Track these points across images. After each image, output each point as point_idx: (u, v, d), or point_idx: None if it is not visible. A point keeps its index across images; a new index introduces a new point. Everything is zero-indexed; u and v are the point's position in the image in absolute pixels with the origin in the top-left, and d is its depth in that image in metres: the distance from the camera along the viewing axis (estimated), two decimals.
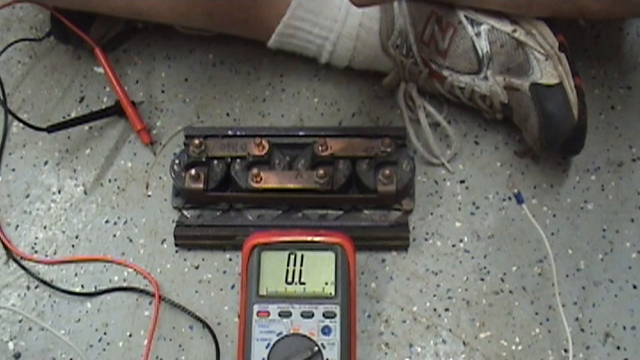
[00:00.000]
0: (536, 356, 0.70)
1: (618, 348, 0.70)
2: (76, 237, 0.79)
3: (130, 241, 0.78)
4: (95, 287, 0.76)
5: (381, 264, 0.75)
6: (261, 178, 0.75)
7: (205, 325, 0.73)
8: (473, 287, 0.74)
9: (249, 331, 0.67)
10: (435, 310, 0.73)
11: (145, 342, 0.72)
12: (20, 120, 0.81)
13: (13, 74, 0.89)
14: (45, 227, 0.80)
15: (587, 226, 0.76)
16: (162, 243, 0.78)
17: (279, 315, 0.67)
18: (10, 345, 0.74)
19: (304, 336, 0.66)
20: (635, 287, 0.73)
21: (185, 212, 0.78)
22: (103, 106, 0.85)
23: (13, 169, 0.83)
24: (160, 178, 0.81)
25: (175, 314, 0.74)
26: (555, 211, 0.77)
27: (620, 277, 0.73)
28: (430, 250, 0.76)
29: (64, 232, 0.79)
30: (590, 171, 0.78)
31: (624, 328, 0.71)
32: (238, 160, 0.77)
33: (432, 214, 0.77)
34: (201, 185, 0.75)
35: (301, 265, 0.69)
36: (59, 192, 0.82)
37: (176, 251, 0.77)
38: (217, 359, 0.71)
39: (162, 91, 0.86)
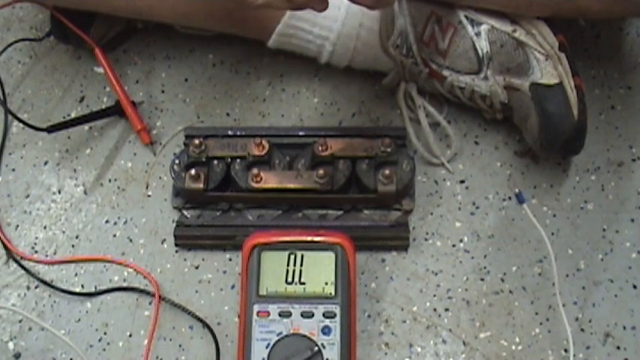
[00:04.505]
0: (536, 356, 0.70)
1: (618, 348, 0.70)
2: (76, 237, 0.79)
3: (130, 241, 0.78)
4: (95, 287, 0.76)
5: (381, 264, 0.75)
6: (261, 178, 0.75)
7: (205, 325, 0.73)
8: (473, 287, 0.74)
9: (249, 331, 0.67)
10: (435, 310, 0.73)
11: (145, 342, 0.72)
12: (20, 120, 0.81)
13: (13, 74, 0.89)
14: (45, 227, 0.80)
15: (587, 226, 0.76)
16: (162, 243, 0.78)
17: (279, 315, 0.67)
18: (10, 345, 0.74)
19: (304, 336, 0.66)
20: (635, 287, 0.73)
21: (185, 212, 0.78)
22: (103, 106, 0.85)
23: (13, 169, 0.83)
24: (160, 178, 0.81)
25: (175, 314, 0.74)
26: (555, 211, 0.77)
27: (620, 277, 0.73)
28: (430, 250, 0.76)
29: (64, 232, 0.79)
30: (590, 171, 0.78)
31: (624, 328, 0.71)
32: (238, 160, 0.77)
33: (432, 214, 0.77)
34: (201, 185, 0.75)
35: (301, 265, 0.69)
36: (59, 192, 0.82)
37: (176, 251, 0.77)
38: (217, 359, 0.71)
39: (163, 91, 0.86)
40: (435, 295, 0.74)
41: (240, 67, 0.87)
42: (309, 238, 0.70)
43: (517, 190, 0.72)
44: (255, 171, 0.75)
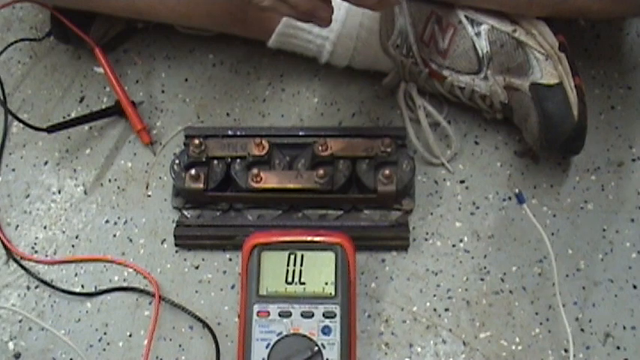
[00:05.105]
0: (536, 356, 0.70)
1: (618, 348, 0.70)
2: (76, 237, 0.79)
3: (130, 241, 0.78)
4: (95, 287, 0.76)
5: (381, 264, 0.75)
6: (261, 178, 0.75)
7: (205, 325, 0.73)
8: (473, 287, 0.74)
9: (249, 331, 0.67)
10: (435, 310, 0.73)
11: (145, 342, 0.72)
12: (20, 120, 0.81)
13: (13, 74, 0.89)
14: (45, 227, 0.80)
15: (587, 226, 0.76)
16: (162, 243, 0.78)
17: (279, 315, 0.67)
18: (10, 345, 0.74)
19: (304, 336, 0.66)
20: (635, 287, 0.73)
21: (185, 212, 0.78)
22: (103, 106, 0.85)
23: (13, 169, 0.83)
24: (160, 178, 0.81)
25: (175, 314, 0.74)
26: (555, 211, 0.77)
27: (620, 277, 0.73)
28: (430, 250, 0.76)
29: (64, 232, 0.79)
30: (590, 171, 0.78)
31: (624, 328, 0.71)
32: (238, 160, 0.77)
33: (432, 214, 0.77)
34: (201, 185, 0.75)
35: (301, 265, 0.69)
36: (59, 192, 0.82)
37: (176, 251, 0.77)
38: (217, 359, 0.71)
39: (163, 91, 0.86)
40: (435, 295, 0.73)
41: (240, 67, 0.87)
42: (309, 238, 0.70)
43: (517, 190, 0.72)
44: (255, 171, 0.75)
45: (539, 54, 0.73)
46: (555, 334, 0.71)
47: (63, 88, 0.88)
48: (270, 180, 0.75)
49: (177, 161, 0.77)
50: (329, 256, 0.69)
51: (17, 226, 0.80)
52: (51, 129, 0.80)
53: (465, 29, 0.75)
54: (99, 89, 0.87)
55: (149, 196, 0.81)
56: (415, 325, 0.72)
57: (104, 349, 0.73)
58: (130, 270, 0.77)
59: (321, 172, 0.74)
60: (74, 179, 0.82)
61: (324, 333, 0.66)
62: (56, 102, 0.87)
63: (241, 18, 0.79)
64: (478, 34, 0.75)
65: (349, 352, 0.66)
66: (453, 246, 0.76)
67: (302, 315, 0.67)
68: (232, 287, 0.75)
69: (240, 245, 0.72)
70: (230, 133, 0.79)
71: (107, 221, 0.79)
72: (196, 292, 0.75)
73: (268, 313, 0.67)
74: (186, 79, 0.87)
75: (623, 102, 0.82)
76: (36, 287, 0.77)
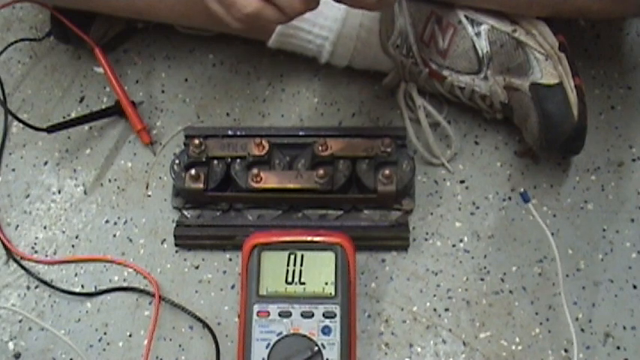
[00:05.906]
0: (536, 356, 0.70)
1: (618, 348, 0.70)
2: (76, 237, 0.79)
3: (130, 241, 0.78)
4: (95, 287, 0.76)
5: (381, 264, 0.75)
6: (261, 178, 0.75)
7: (205, 325, 0.73)
8: (473, 287, 0.74)
9: (249, 331, 0.67)
10: (435, 310, 0.73)
11: (145, 342, 0.72)
12: (20, 120, 0.81)
13: (13, 74, 0.89)
14: (45, 227, 0.80)
15: (587, 226, 0.76)
16: (162, 243, 0.78)
17: (279, 315, 0.67)
18: (10, 345, 0.74)
19: (304, 336, 0.66)
20: (635, 287, 0.73)
21: (185, 212, 0.78)
22: (103, 106, 0.85)
23: (13, 169, 0.83)
24: (160, 178, 0.81)
25: (175, 314, 0.74)
26: (555, 211, 0.77)
27: (620, 277, 0.73)
28: (430, 250, 0.76)
29: (64, 232, 0.79)
30: (590, 171, 0.78)
31: (624, 328, 0.71)
32: (238, 160, 0.77)
33: (432, 214, 0.77)
34: (201, 185, 0.75)
35: (301, 265, 0.69)
36: (59, 192, 0.82)
37: (176, 251, 0.77)
38: (217, 359, 0.71)
39: (163, 91, 0.86)
40: (435, 295, 0.74)
41: (240, 67, 0.87)
42: (309, 238, 0.70)
43: (522, 190, 0.71)
44: (255, 171, 0.75)
45: (539, 54, 0.73)
46: (555, 334, 0.71)
47: (63, 88, 0.88)
48: (270, 180, 0.75)
49: (177, 161, 0.77)
50: (329, 256, 0.69)
51: (17, 226, 0.80)
52: (51, 129, 0.80)
53: (465, 29, 0.75)
54: (99, 89, 0.87)
55: (149, 196, 0.81)
56: (415, 325, 0.72)
57: (104, 349, 0.73)
58: (130, 270, 0.77)
59: (321, 172, 0.74)
60: (74, 179, 0.82)
61: (324, 333, 0.66)
62: (56, 102, 0.87)
63: None
64: (478, 34, 0.75)
65: (349, 352, 0.66)
66: (453, 246, 0.76)
67: (302, 315, 0.67)
68: (232, 287, 0.75)
69: (240, 245, 0.72)
70: (230, 133, 0.79)
71: (107, 221, 0.79)
72: (196, 292, 0.75)
73: (268, 313, 0.67)
74: (186, 79, 0.87)
75: (623, 102, 0.82)
76: (36, 287, 0.77)
